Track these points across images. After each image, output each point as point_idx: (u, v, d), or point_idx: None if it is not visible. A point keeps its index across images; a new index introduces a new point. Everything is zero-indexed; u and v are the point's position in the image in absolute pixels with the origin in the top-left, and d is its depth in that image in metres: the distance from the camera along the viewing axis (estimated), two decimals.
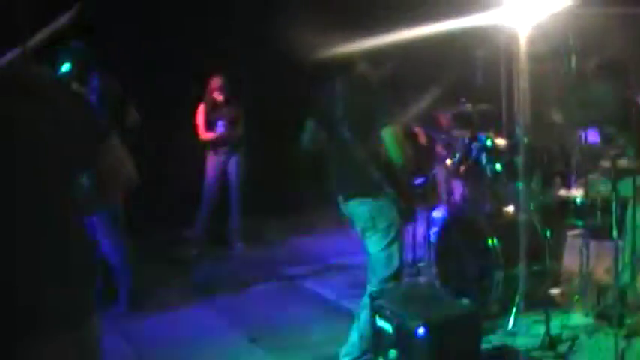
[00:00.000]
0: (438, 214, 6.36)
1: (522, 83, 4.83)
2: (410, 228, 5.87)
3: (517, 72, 5.13)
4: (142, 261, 5.88)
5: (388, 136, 4.00)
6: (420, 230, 6.19)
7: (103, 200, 2.37)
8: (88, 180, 2.20)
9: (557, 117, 5.49)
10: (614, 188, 4.47)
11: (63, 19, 2.59)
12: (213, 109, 7.51)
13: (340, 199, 4.34)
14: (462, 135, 5.77)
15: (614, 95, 5.10)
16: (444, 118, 6.95)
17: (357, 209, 4.23)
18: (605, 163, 4.67)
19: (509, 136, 5.62)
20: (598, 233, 4.89)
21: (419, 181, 5.98)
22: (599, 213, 4.84)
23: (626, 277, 4.80)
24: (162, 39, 7.43)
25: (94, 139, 2.14)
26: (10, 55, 2.09)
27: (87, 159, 2.14)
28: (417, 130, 6.54)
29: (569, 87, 5.10)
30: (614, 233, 4.51)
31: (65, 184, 2.10)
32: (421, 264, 6.12)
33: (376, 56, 4.28)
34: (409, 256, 6.03)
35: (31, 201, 1.99)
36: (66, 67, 5.10)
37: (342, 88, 4.28)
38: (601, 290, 4.75)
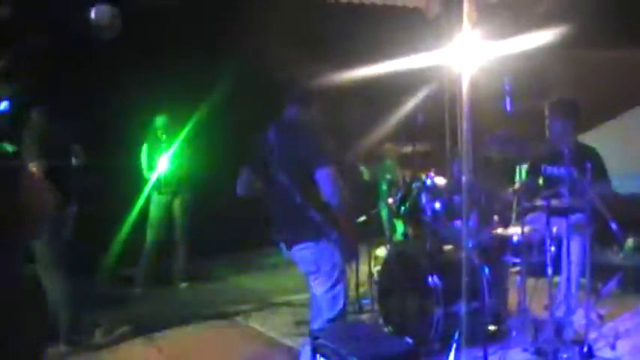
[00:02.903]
0: (380, 252, 6.43)
1: (464, 123, 4.90)
2: (353, 266, 5.90)
3: (459, 112, 5.21)
4: (84, 298, 5.79)
5: (322, 177, 4.00)
6: (363, 268, 6.23)
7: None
8: None
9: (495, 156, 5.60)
10: (548, 226, 4.61)
11: None
12: (157, 148, 7.49)
13: (282, 245, 4.33)
14: (403, 174, 5.86)
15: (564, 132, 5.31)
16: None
17: (300, 254, 4.22)
18: (541, 202, 4.80)
19: (449, 175, 5.72)
20: (535, 270, 5.00)
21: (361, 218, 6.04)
22: (535, 250, 4.95)
23: (562, 312, 4.92)
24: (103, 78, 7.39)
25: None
26: None
27: None
28: (362, 168, 6.63)
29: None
30: (549, 270, 4.64)
31: None
32: (364, 302, 6.15)
33: (308, 97, 4.28)
34: (352, 294, 6.06)
35: None
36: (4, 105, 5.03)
37: (274, 133, 4.26)
38: (538, 326, 4.84)
